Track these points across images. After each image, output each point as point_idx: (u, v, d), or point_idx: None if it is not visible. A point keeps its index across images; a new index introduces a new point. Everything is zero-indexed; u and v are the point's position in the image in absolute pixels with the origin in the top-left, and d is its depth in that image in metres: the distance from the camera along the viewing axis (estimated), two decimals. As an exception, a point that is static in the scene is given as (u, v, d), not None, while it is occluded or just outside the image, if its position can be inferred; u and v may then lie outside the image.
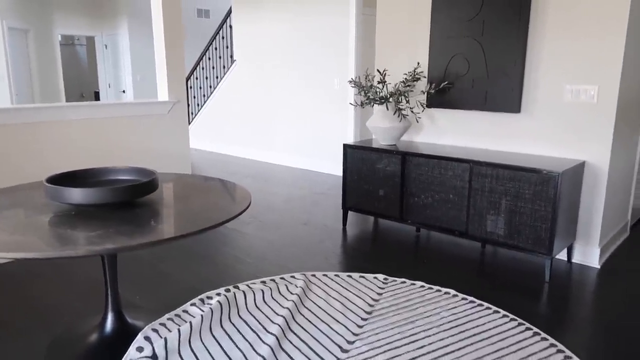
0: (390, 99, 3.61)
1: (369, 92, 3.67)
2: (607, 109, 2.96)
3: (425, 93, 3.76)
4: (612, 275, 2.98)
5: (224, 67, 7.57)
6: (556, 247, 2.87)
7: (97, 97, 10.27)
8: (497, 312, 2.39)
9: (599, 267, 3.10)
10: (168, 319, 2.18)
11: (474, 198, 3.10)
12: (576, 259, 3.19)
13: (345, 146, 3.76)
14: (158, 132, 4.01)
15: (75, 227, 1.68)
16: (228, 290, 2.52)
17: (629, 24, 2.85)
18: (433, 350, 1.98)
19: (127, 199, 1.84)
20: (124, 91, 9.32)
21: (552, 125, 3.19)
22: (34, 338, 2.15)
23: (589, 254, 3.14)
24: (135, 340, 2.00)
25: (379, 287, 2.63)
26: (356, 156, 3.71)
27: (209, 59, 7.85)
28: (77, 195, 1.75)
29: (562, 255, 3.23)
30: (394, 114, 3.61)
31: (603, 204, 3.06)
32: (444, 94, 3.64)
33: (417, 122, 3.89)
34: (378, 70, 3.86)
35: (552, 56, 3.12)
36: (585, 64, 3.00)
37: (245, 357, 1.88)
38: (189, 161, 4.26)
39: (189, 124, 8.06)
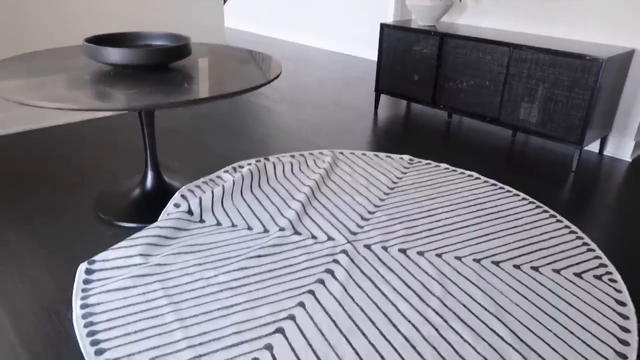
0: (434, -25, 3.38)
1: (412, -34, 3.43)
2: (671, -9, 2.70)
3: (473, -31, 3.49)
4: (642, 169, 2.95)
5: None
6: (588, 137, 2.83)
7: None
8: (517, 195, 2.45)
9: (630, 160, 3.06)
10: (203, 181, 2.35)
11: (509, 84, 3.01)
12: (608, 151, 3.15)
13: (382, 25, 3.62)
14: (190, 3, 3.93)
15: (113, 86, 1.76)
16: (259, 161, 2.66)
17: None
18: (450, 224, 2.09)
19: (162, 61, 1.90)
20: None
21: (604, 8, 2.96)
22: (82, 192, 2.37)
23: (622, 147, 3.09)
24: (173, 198, 2.18)
25: (404, 167, 2.71)
26: (393, 36, 3.59)
27: None
28: (114, 54, 1.81)
29: (594, 147, 3.19)
30: (436, -9, 3.40)
31: (647, 96, 2.93)
32: (492, -29, 3.37)
33: (460, 1, 3.67)
34: (423, -58, 3.56)
35: None
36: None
37: (273, 219, 2.04)
38: (223, 36, 4.22)
39: (226, 0, 7.80)
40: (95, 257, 1.73)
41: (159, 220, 1.99)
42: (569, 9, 3.12)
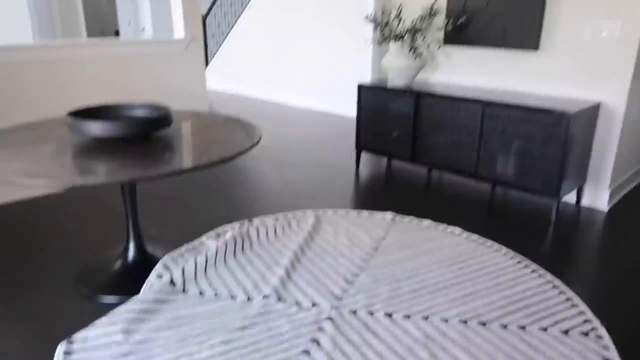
0: (406, 36, 3.55)
1: (385, 29, 3.61)
2: (629, 46, 2.87)
3: (442, 29, 3.67)
4: (619, 218, 3.02)
5: (242, 4, 7.42)
6: (564, 189, 2.90)
7: (117, 35, 10.22)
8: (500, 250, 2.47)
9: (607, 210, 3.13)
10: (186, 249, 2.33)
11: (485, 139, 3.11)
12: (585, 201, 3.22)
13: (360, 86, 3.75)
14: (174, 70, 4.04)
15: (95, 159, 1.78)
16: (242, 225, 2.65)
17: (659, -43, 2.71)
18: (435, 284, 2.08)
19: (143, 132, 1.93)
20: (143, 29, 9.25)
21: (570, 64, 3.12)
22: (62, 265, 2.33)
23: (598, 197, 3.16)
24: (155, 268, 2.15)
25: (387, 225, 2.73)
26: (370, 96, 3.71)
27: (226, -5, 7.69)
28: (96, 128, 1.84)
29: (571, 198, 3.26)
30: (409, 51, 3.56)
31: (616, 147, 3.04)
32: (461, 31, 3.56)
33: (433, 60, 3.83)
34: (394, 6, 3.76)
35: (576, -8, 3.01)
36: None
37: (256, 286, 2.02)
38: (205, 100, 4.31)
39: (208, 63, 8.03)
40: (74, 337, 1.68)
41: (141, 292, 1.95)
42: (536, 65, 3.27)
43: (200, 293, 1.97)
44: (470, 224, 2.90)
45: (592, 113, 2.97)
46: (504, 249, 2.47)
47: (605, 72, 2.99)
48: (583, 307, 1.96)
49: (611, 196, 3.17)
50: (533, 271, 2.25)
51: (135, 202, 2.18)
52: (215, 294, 1.96)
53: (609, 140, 3.06)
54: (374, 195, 3.37)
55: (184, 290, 1.98)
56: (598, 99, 3.05)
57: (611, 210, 3.13)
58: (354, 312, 1.83)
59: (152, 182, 3.53)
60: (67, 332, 1.80)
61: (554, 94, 3.23)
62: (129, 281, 2.09)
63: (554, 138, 2.82)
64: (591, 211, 3.11)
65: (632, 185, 3.54)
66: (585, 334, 1.77)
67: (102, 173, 1.62)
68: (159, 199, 3.23)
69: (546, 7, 3.14)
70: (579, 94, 3.12)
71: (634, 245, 2.65)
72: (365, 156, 4.24)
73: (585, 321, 1.86)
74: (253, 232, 2.47)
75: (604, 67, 2.99)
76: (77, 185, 1.57)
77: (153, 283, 2.02)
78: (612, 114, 3.01)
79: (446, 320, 1.80)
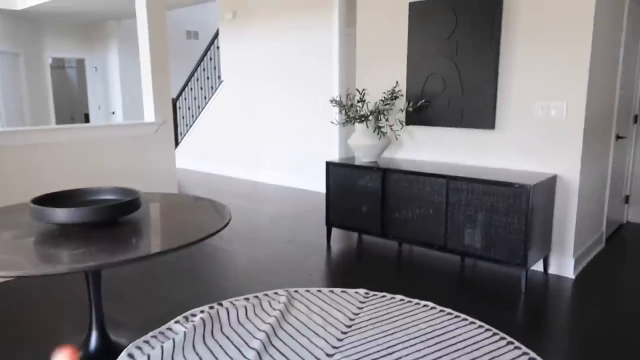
0: (370, 117, 3.72)
1: (350, 111, 3.78)
2: (576, 123, 3.08)
3: (404, 111, 3.87)
4: (586, 285, 3.07)
5: (212, 87, 7.68)
6: (531, 259, 2.97)
7: (87, 119, 10.32)
8: (473, 323, 2.46)
9: (573, 277, 3.19)
10: (152, 336, 2.23)
11: (451, 212, 3.19)
12: (552, 270, 3.28)
13: (328, 164, 3.85)
14: (145, 153, 4.08)
15: (59, 246, 1.74)
16: (212, 307, 2.58)
17: (592, 46, 2.99)
18: (409, 361, 2.04)
19: (109, 217, 1.91)
20: (113, 113, 9.39)
21: (525, 140, 3.31)
22: (21, 356, 2.18)
23: (563, 265, 3.23)
24: (119, 358, 2.05)
25: (360, 302, 2.70)
26: (338, 173, 3.80)
27: (197, 79, 7.97)
28: (60, 215, 1.82)
29: (539, 267, 3.32)
30: (374, 131, 3.72)
31: (575, 216, 3.16)
32: (421, 112, 3.76)
33: (397, 139, 4.00)
34: (357, 90, 3.97)
35: (523, 74, 3.26)
36: (554, 81, 3.13)
37: (226, 372, 1.94)
38: (175, 180, 4.33)
39: (178, 144, 8.14)
40: None
41: (102, 385, 1.84)
42: (494, 142, 3.46)
43: (167, 383, 1.87)
44: (442, 297, 2.90)
45: (549, 185, 3.12)
46: (478, 322, 2.46)
47: (557, 148, 3.18)
48: (559, 379, 1.94)
49: (576, 264, 3.25)
50: (508, 343, 2.24)
51: (99, 289, 2.11)
52: (183, 384, 1.87)
53: (568, 211, 3.19)
54: (346, 271, 3.35)
55: (149, 380, 1.88)
56: (554, 172, 3.22)
57: (577, 277, 3.19)
58: (329, 396, 1.76)
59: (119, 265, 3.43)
60: None
61: (513, 168, 3.39)
62: (91, 373, 1.98)
63: (516, 209, 2.92)
64: (559, 279, 3.16)
65: (594, 252, 3.64)
66: (564, 407, 1.74)
67: (65, 260, 1.58)
68: (125, 281, 3.13)
69: (498, 89, 3.38)
70: (536, 167, 3.29)
71: (602, 313, 2.68)
72: (336, 231, 4.26)
73: (562, 394, 1.83)
74: (223, 314, 2.41)
75: (556, 143, 3.18)
76: (37, 275, 1.52)
77: (116, 374, 1.91)
78: (568, 186, 3.16)
79: (423, 400, 1.75)
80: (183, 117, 8.22)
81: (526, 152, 3.31)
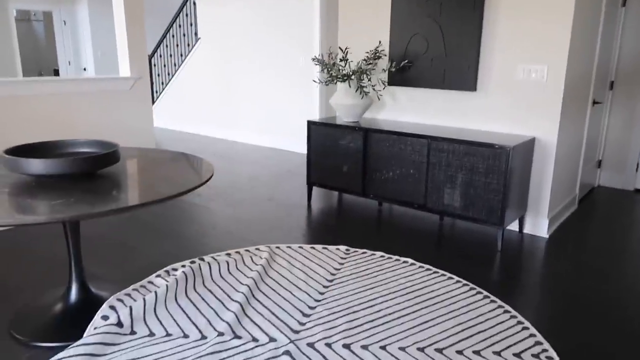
0: (353, 77, 3.67)
1: (332, 70, 3.72)
2: (556, 87, 3.11)
3: (387, 71, 3.84)
4: (559, 244, 3.18)
5: (188, 44, 7.45)
6: (507, 218, 3.04)
7: (56, 74, 9.93)
8: (451, 278, 2.52)
9: (547, 237, 3.29)
10: (133, 289, 2.22)
11: (431, 172, 3.22)
12: (527, 229, 3.38)
13: (309, 123, 3.82)
14: (121, 109, 3.96)
15: (35, 197, 1.69)
16: (193, 262, 2.57)
17: (575, 11, 2.99)
18: (390, 314, 2.09)
19: (88, 170, 1.86)
20: (85, 69, 9.05)
21: (506, 103, 3.33)
22: (0, 310, 2.16)
23: (538, 225, 3.33)
24: (100, 310, 2.03)
25: (341, 258, 2.73)
26: (320, 133, 3.77)
27: (173, 36, 7.71)
28: (37, 165, 1.76)
29: (515, 226, 3.41)
30: (356, 91, 3.68)
31: (551, 178, 3.24)
32: (404, 72, 3.73)
33: (379, 99, 3.98)
34: (340, 48, 3.91)
35: (506, 37, 3.25)
36: (535, 45, 3.14)
37: (210, 323, 1.95)
38: (152, 137, 4.24)
39: (154, 102, 7.93)
40: (9, 387, 1.55)
41: (84, 336, 1.83)
42: (475, 104, 3.47)
43: (150, 333, 1.88)
44: (421, 254, 2.95)
45: (528, 147, 3.16)
46: (456, 277, 2.52)
47: (537, 110, 3.21)
48: (533, 329, 2.02)
49: (550, 224, 3.34)
50: (485, 297, 2.31)
51: (78, 241, 2.08)
52: (167, 334, 1.87)
53: (544, 172, 3.26)
54: (326, 230, 3.38)
55: (132, 331, 1.88)
56: (533, 134, 3.26)
57: (551, 237, 3.29)
58: (312, 345, 1.80)
59: (97, 223, 3.38)
60: (0, 385, 1.65)
61: (493, 130, 3.42)
62: (73, 325, 1.96)
63: (495, 170, 2.96)
64: (533, 238, 3.26)
65: (568, 213, 3.75)
66: (537, 355, 1.82)
67: (44, 211, 1.54)
68: (104, 240, 3.09)
69: (481, 51, 3.36)
70: (516, 130, 3.33)
71: (574, 269, 2.79)
72: (316, 191, 4.27)
73: (536, 343, 1.91)
74: (205, 268, 2.41)
75: (535, 106, 3.21)
76: (14, 225, 1.48)
77: (97, 325, 1.90)
78: (546, 148, 3.22)
79: (403, 349, 1.81)
80: (158, 75, 7.99)
81: (506, 114, 3.34)
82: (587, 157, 4.11)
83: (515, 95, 3.28)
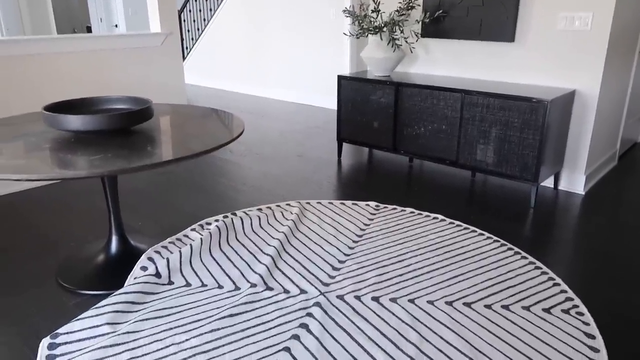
0: (385, 29, 3.57)
1: (363, 22, 3.62)
2: (600, 36, 2.94)
3: (420, 22, 3.70)
4: (595, 202, 3.10)
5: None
6: (542, 174, 2.96)
7: (89, 31, 10.02)
8: (482, 234, 2.51)
9: (583, 193, 3.21)
10: (170, 242, 2.30)
11: (465, 127, 3.15)
12: (562, 186, 3.30)
13: (340, 77, 3.76)
14: (152, 65, 3.99)
15: (75, 152, 1.75)
16: (226, 217, 2.64)
17: (628, -53, 2.78)
18: (419, 268, 2.11)
19: (123, 125, 1.90)
20: (116, 25, 9.08)
21: (545, 54, 3.18)
22: (43, 261, 2.28)
23: (574, 181, 3.24)
24: (139, 261, 2.13)
25: (371, 213, 2.75)
26: (350, 87, 3.72)
27: (201, -11, 7.61)
28: (75, 122, 1.81)
29: (549, 183, 3.33)
30: (388, 44, 3.58)
31: (591, 133, 3.12)
32: (438, 24, 3.59)
33: (411, 52, 3.87)
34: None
35: (549, -18, 3.06)
36: (582, -10, 2.95)
37: (243, 275, 2.02)
38: (184, 94, 4.27)
39: (185, 58, 7.94)
40: (59, 330, 1.66)
41: (125, 285, 1.93)
42: (513, 56, 3.33)
43: (187, 284, 1.96)
44: (452, 211, 2.94)
45: (567, 100, 3.04)
46: (486, 234, 2.51)
47: (579, 62, 3.06)
48: (564, 286, 2.01)
49: (587, 180, 3.25)
50: (515, 253, 2.30)
51: (116, 195, 2.15)
52: (202, 284, 1.95)
53: (584, 127, 3.14)
54: (356, 186, 3.38)
55: (169, 281, 1.96)
56: (573, 87, 3.12)
57: (587, 193, 3.21)
58: (342, 297, 1.84)
59: (133, 178, 3.48)
60: (50, 327, 1.77)
61: (531, 83, 3.29)
62: (114, 274, 2.07)
63: (531, 125, 2.87)
64: (568, 195, 3.19)
65: (606, 170, 3.63)
66: (567, 311, 1.81)
67: (83, 166, 1.59)
68: (140, 194, 3.19)
69: (521, -4, 3.20)
70: (555, 82, 3.19)
71: (609, 227, 2.72)
72: (346, 147, 4.25)
73: (567, 299, 1.90)
74: (237, 223, 2.47)
75: (577, 57, 3.06)
76: (57, 178, 1.54)
77: (137, 275, 2.00)
78: (587, 102, 3.08)
79: (432, 302, 1.83)
80: (188, 31, 7.95)
81: (545, 66, 3.20)
82: (631, 111, 3.93)
83: (556, 46, 3.13)
